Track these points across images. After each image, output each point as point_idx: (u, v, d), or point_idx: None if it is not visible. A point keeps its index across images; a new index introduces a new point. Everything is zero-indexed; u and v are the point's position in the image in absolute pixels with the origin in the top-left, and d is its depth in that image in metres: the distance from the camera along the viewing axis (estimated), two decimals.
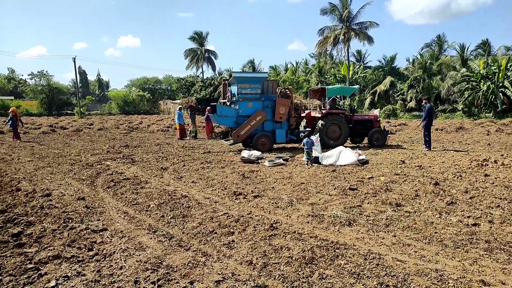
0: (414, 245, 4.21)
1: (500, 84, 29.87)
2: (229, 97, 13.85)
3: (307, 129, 14.71)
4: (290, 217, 5.41)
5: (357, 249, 4.10)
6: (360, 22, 40.43)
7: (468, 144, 14.80)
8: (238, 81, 13.22)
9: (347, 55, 42.50)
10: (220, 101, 14.82)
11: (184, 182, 8.03)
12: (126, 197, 6.69)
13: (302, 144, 10.42)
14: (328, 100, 14.84)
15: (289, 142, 13.97)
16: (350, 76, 42.26)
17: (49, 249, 4.16)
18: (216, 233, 4.72)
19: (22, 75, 78.65)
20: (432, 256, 3.89)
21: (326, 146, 13.43)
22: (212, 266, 3.74)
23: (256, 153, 11.17)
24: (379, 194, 6.55)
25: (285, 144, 14.95)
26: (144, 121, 31.82)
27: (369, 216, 5.33)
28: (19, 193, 6.88)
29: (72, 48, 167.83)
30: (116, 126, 26.81)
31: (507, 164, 9.06)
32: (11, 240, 4.41)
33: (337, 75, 44.06)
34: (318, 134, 11.45)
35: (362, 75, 45.85)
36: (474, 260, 3.77)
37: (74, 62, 48.15)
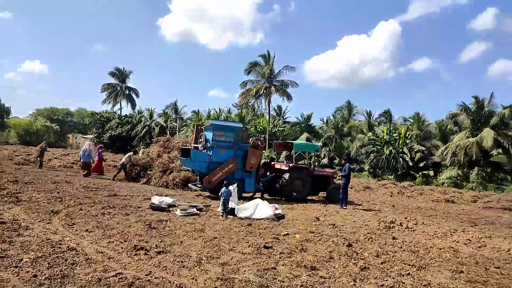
0: None
1: (400, 150, 33.33)
2: (203, 142, 13.79)
3: (270, 175, 15.22)
4: (196, 280, 4.69)
5: None
6: (281, 80, 42.98)
7: (375, 204, 15.65)
8: (214, 128, 13.58)
9: (268, 109, 44.35)
10: (192, 145, 14.82)
11: (76, 230, 6.81)
12: None
13: (219, 193, 9.88)
14: (295, 154, 15.61)
15: (257, 191, 14.45)
16: (270, 129, 43.80)
17: None
18: None
19: None
20: None
21: (288, 199, 14.11)
22: None
23: (168, 200, 10.26)
24: (294, 255, 6.18)
25: (201, 192, 14.27)
26: (46, 155, 28.45)
27: (283, 281, 4.85)
28: None
29: None
30: (9, 158, 23.40)
31: (411, 227, 9.52)
32: None
33: (257, 127, 45.34)
34: (236, 184, 11.05)
35: (281, 129, 47.87)
36: None
37: None
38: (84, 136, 60.80)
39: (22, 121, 59.96)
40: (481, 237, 8.79)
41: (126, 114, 59.96)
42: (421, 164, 32.90)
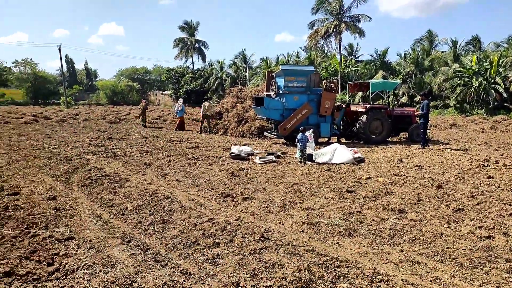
0: (426, 263, 3.69)
1: (492, 81, 29.66)
2: (275, 89, 13.68)
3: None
4: (283, 224, 4.86)
5: (360, 267, 3.57)
6: (351, 15, 39.85)
7: (465, 142, 14.41)
8: (285, 73, 13.26)
9: (338, 49, 41.93)
10: (264, 93, 14.75)
11: (168, 180, 7.41)
12: (102, 197, 6.06)
13: (296, 140, 9.88)
14: (371, 94, 14.76)
15: (333, 136, 14.16)
16: (342, 70, 41.76)
17: (1, 263, 3.54)
18: (199, 244, 4.14)
19: (6, 63, 76.34)
20: (447, 279, 3.38)
21: (367, 142, 13.65)
22: None
23: (246, 149, 10.58)
24: (379, 198, 6.03)
25: (277, 140, 14.43)
26: (132, 112, 30.91)
27: (371, 225, 4.80)
28: None
29: (53, 35, 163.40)
30: (102, 117, 25.88)
31: (509, 165, 8.64)
32: None
33: (328, 69, 43.50)
34: (311, 130, 10.92)
35: (354, 69, 45.36)
36: (497, 285, 3.26)
37: (60, 50, 46.56)
38: (163, 92, 64.34)
39: (108, 82, 65.07)
40: None
41: (198, 68, 61.64)
42: None
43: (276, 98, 13.53)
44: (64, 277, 3.37)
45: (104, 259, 3.72)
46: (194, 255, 3.87)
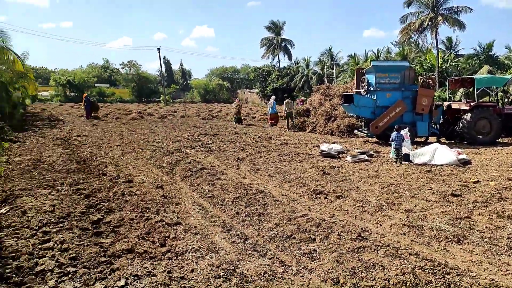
0: None
1: None
2: (365, 86, 13.40)
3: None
4: (380, 225, 4.67)
5: (474, 277, 3.27)
6: (449, 7, 36.24)
7: None
8: (376, 70, 12.82)
9: (435, 42, 38.52)
10: (354, 90, 14.54)
11: (260, 175, 7.64)
12: (202, 188, 6.50)
13: (390, 139, 9.39)
14: (477, 91, 13.38)
15: (431, 135, 13.18)
16: (439, 65, 38.31)
17: (123, 241, 4.03)
18: (295, 238, 4.20)
19: (115, 65, 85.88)
20: None
21: (472, 142, 12.44)
22: (292, 281, 3.24)
23: (336, 147, 10.38)
24: (491, 204, 5.44)
25: (368, 138, 13.89)
26: (223, 110, 32.52)
27: (484, 232, 4.35)
28: (104, 177, 7.10)
29: (153, 38, 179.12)
30: (197, 114, 27.72)
31: None
32: (90, 228, 4.39)
33: (424, 64, 40.25)
34: (407, 128, 10.26)
35: (453, 63, 41.26)
36: None
37: (159, 52, 50.99)
38: (251, 90, 66.35)
39: (201, 81, 69.35)
40: None
41: (284, 66, 62.19)
42: None
43: (366, 96, 13.01)
44: (176, 257, 3.70)
45: (208, 244, 4.00)
46: (291, 248, 3.94)
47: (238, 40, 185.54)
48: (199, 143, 12.14)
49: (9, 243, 3.85)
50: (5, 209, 4.95)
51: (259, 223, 4.75)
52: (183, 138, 13.58)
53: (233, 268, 3.45)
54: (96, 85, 59.36)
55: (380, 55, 50.77)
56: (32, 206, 5.11)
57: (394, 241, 4.12)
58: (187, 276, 3.31)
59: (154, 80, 66.12)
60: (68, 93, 51.77)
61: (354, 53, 54.03)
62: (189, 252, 3.78)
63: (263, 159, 9.43)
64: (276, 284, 3.17)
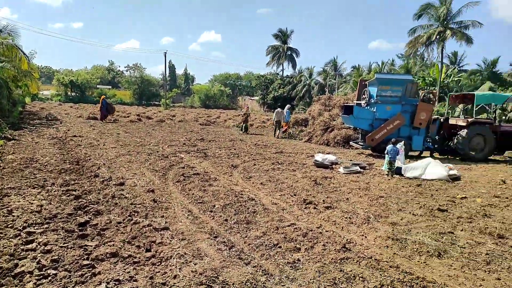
0: None
1: None
2: (366, 98, 13.44)
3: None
4: (366, 237, 4.74)
5: None
6: (459, 21, 36.58)
7: None
8: (379, 82, 12.85)
9: (440, 56, 38.82)
10: (355, 101, 14.60)
11: (253, 183, 7.71)
12: (193, 193, 6.56)
13: (385, 152, 9.48)
14: (476, 107, 13.46)
15: (425, 150, 13.27)
16: (441, 79, 38.59)
17: (108, 245, 4.08)
18: (280, 247, 4.27)
19: (119, 67, 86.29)
20: None
21: (465, 158, 12.55)
22: None
23: (330, 158, 10.47)
24: (475, 220, 5.52)
25: (363, 150, 13.98)
26: (221, 116, 32.65)
27: (464, 247, 4.42)
28: (96, 179, 7.16)
29: (160, 42, 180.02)
30: (195, 119, 27.83)
31: None
32: (76, 230, 4.45)
33: (426, 78, 40.54)
34: (403, 142, 10.36)
35: (456, 79, 41.56)
36: None
37: (165, 56, 51.17)
38: (251, 98, 66.61)
39: (203, 87, 69.61)
40: None
41: (287, 75, 62.55)
42: None
43: (366, 107, 13.12)
44: (160, 263, 3.76)
45: (194, 251, 4.05)
46: (276, 257, 4.00)
47: (244, 47, 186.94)
48: (194, 148, 12.22)
49: None
50: None
51: (246, 231, 4.81)
52: (179, 142, 13.66)
53: (216, 275, 3.51)
54: (98, 86, 59.58)
55: (384, 68, 51.20)
56: (19, 205, 5.16)
57: (377, 253, 4.18)
58: (169, 282, 3.36)
59: (156, 84, 66.37)
60: (69, 93, 51.94)
61: (358, 65, 54.48)
62: (174, 258, 3.83)
63: (257, 166, 9.51)
64: None
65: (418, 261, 4.02)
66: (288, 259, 3.94)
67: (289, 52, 62.53)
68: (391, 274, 3.64)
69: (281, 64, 63.05)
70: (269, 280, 3.46)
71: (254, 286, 3.34)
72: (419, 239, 4.62)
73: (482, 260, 4.10)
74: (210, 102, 60.81)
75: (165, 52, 49.96)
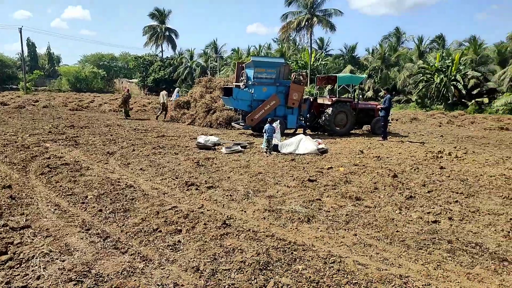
0: (376, 246, 3.91)
1: (452, 78, 31.11)
2: (244, 80, 13.70)
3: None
4: (245, 212, 4.96)
5: (316, 250, 3.74)
6: (324, 9, 40.45)
7: (423, 135, 15.13)
8: (255, 65, 13.37)
9: (310, 42, 42.46)
10: (234, 83, 14.75)
11: (132, 169, 7.32)
12: (61, 186, 5.90)
13: (263, 131, 10.00)
14: (338, 88, 15.15)
15: (299, 127, 14.37)
16: (312, 63, 42.31)
17: None
18: (160, 231, 4.16)
19: None
20: (395, 259, 3.61)
21: (332, 133, 13.96)
22: (151, 275, 3.20)
23: (213, 139, 10.59)
24: (338, 187, 6.28)
25: (245, 130, 14.51)
26: (96, 100, 29.95)
27: (329, 211, 5.00)
28: None
29: (13, 16, 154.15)
30: (64, 104, 24.92)
31: (460, 157, 9.19)
32: None
33: (299, 62, 43.94)
34: (278, 121, 11.07)
35: (323, 62, 46.04)
36: (438, 264, 3.53)
37: (20, 33, 43.98)
38: (130, 80, 62.61)
39: (72, 68, 62.44)
40: None
41: (167, 56, 60.41)
42: (475, 92, 30.42)
43: (245, 89, 13.56)
44: (19, 265, 3.29)
45: (61, 247, 3.66)
46: (155, 242, 3.89)
47: (118, 25, 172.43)
48: (63, 136, 10.96)
49: None
50: None
51: (124, 219, 4.55)
52: (43, 130, 12.07)
53: (88, 269, 3.24)
54: None
55: (261, 51, 53.38)
56: None
57: (255, 225, 4.42)
58: (31, 284, 2.98)
59: (13, 65, 57.03)
60: None
61: (238, 47, 55.71)
62: (36, 258, 3.40)
63: (137, 152, 9.05)
64: (135, 280, 3.10)
65: (291, 228, 4.39)
66: (168, 242, 3.87)
67: (167, 33, 60.39)
68: (267, 242, 3.89)
69: (160, 45, 60.66)
70: (148, 266, 3.35)
71: (132, 273, 3.20)
72: (292, 208, 5.05)
73: (343, 220, 4.70)
74: (82, 86, 55.17)
75: (20, 28, 43.01)
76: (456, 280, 3.26)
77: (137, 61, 57.97)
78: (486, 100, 29.42)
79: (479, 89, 30.51)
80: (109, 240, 3.90)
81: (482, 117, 23.02)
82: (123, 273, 3.20)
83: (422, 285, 3.13)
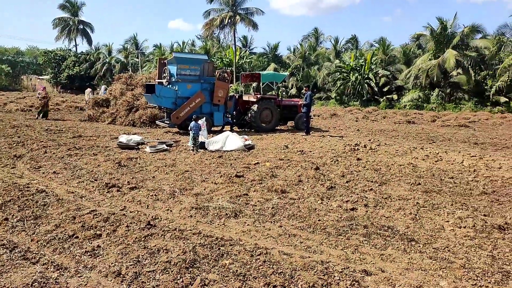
0: (300, 235, 4.09)
1: (366, 76, 33.74)
2: (167, 77, 13.20)
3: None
4: (171, 211, 4.83)
5: (243, 244, 3.78)
6: (245, 8, 41.06)
7: (341, 129, 16.18)
8: (178, 61, 13.11)
9: (233, 40, 42.78)
10: (156, 80, 14.08)
11: (43, 173, 6.69)
12: None
13: (189, 128, 9.83)
14: (262, 85, 15.37)
15: (226, 125, 14.38)
16: (236, 60, 42.65)
17: None
18: (77, 237, 3.87)
19: None
20: (317, 246, 3.81)
21: (258, 130, 14.16)
22: (67, 284, 2.97)
23: (136, 138, 10.14)
24: (265, 181, 6.43)
25: (170, 129, 14.14)
26: (0, 98, 26.76)
27: (255, 205, 5.10)
28: None
29: None
30: None
31: (374, 149, 10.01)
32: None
33: (224, 59, 44.00)
34: (204, 118, 10.98)
35: (248, 60, 46.69)
36: (355, 248, 3.81)
37: None
38: (40, 77, 57.09)
39: None
40: (438, 153, 9.41)
41: (82, 51, 56.24)
42: (385, 89, 33.51)
43: (168, 86, 13.20)
44: None
45: None
46: (71, 249, 3.61)
47: (23, 17, 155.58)
48: None
49: None
50: None
51: (34, 227, 4.15)
52: None
53: None
54: None
55: (185, 48, 52.32)
56: None
57: (181, 224, 4.33)
58: None
59: None
60: None
61: (160, 43, 53.91)
62: None
63: (49, 154, 8.29)
64: None
65: (218, 224, 4.38)
66: (86, 248, 3.62)
67: (81, 26, 56.26)
68: (194, 240, 3.84)
69: (73, 39, 56.25)
70: (63, 275, 3.10)
71: (44, 284, 2.93)
72: (219, 204, 5.04)
73: (269, 213, 4.82)
74: None
75: None
76: (371, 262, 3.54)
77: (47, 56, 53.03)
78: (395, 96, 32.52)
79: (389, 86, 33.59)
80: (16, 250, 3.52)
81: (392, 112, 25.36)
82: (34, 284, 2.92)
83: (341, 269, 3.34)
